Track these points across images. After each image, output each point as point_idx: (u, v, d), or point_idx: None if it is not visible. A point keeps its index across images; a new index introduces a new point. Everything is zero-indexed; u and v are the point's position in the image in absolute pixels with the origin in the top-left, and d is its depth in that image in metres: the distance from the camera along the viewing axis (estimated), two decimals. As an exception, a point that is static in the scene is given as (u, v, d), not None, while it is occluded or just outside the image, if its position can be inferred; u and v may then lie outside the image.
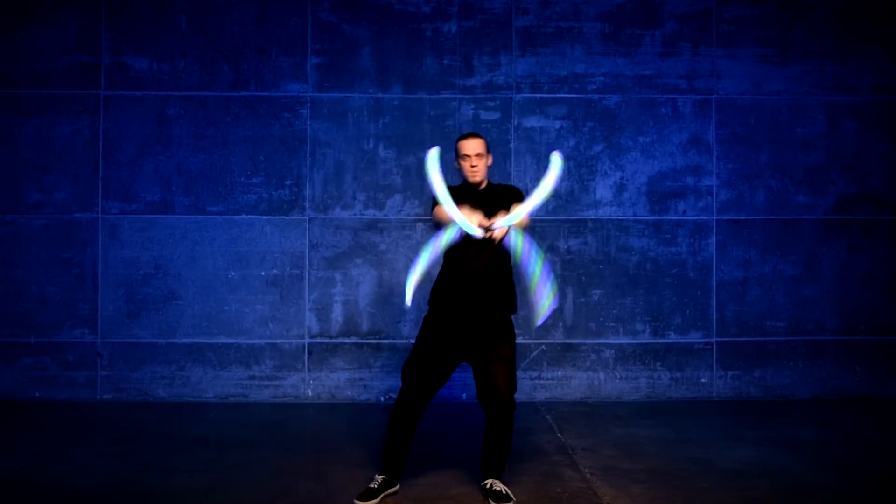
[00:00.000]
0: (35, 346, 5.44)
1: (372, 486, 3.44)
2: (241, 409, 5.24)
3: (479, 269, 3.41)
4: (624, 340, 5.55)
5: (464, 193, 3.41)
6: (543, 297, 3.33)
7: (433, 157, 3.17)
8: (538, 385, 5.53)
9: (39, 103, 5.48)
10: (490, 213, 3.30)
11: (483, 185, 3.52)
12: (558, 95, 5.59)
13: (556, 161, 3.20)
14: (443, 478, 3.75)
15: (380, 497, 3.42)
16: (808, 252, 5.62)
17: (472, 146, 3.43)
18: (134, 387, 5.46)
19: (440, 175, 3.16)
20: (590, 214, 5.57)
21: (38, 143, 5.47)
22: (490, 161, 3.54)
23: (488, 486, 3.45)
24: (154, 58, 5.51)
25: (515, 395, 5.47)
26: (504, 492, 3.41)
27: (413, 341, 5.35)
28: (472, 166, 3.42)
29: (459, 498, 3.49)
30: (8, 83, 5.47)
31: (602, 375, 5.55)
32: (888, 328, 5.63)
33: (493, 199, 3.42)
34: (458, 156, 3.47)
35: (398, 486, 3.55)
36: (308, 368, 5.49)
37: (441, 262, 3.51)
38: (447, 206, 3.15)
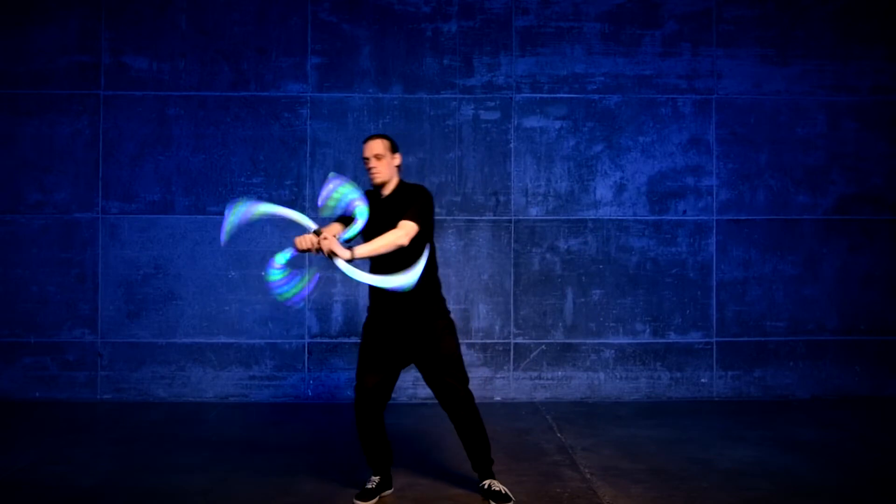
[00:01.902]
0: (35, 346, 5.44)
1: (369, 486, 3.47)
2: (241, 409, 5.24)
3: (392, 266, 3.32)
4: (624, 340, 5.55)
5: (371, 199, 3.39)
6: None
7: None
8: (538, 385, 5.53)
9: (39, 103, 5.48)
10: (391, 218, 3.31)
11: (389, 189, 3.46)
12: (558, 95, 5.59)
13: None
14: (443, 478, 3.75)
15: (377, 497, 3.46)
16: (808, 252, 5.62)
17: (370, 147, 3.42)
18: (134, 387, 5.46)
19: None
20: (590, 214, 5.57)
21: (38, 143, 5.47)
22: (397, 161, 3.48)
23: (487, 486, 3.45)
24: (154, 58, 5.51)
25: (515, 395, 5.51)
26: (503, 491, 3.41)
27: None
28: (370, 167, 3.41)
29: (459, 498, 3.49)
30: (8, 83, 5.47)
31: (602, 375, 5.55)
32: (888, 328, 5.63)
33: (394, 204, 3.41)
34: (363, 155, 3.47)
35: (391, 489, 3.57)
36: (308, 368, 5.49)
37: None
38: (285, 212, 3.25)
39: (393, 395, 5.33)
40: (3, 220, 5.46)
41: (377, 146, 3.42)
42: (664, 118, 5.60)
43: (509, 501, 3.37)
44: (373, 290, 3.41)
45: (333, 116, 5.53)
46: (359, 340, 5.46)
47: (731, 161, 5.61)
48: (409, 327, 3.39)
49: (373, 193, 3.47)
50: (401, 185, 3.49)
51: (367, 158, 3.42)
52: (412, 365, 3.50)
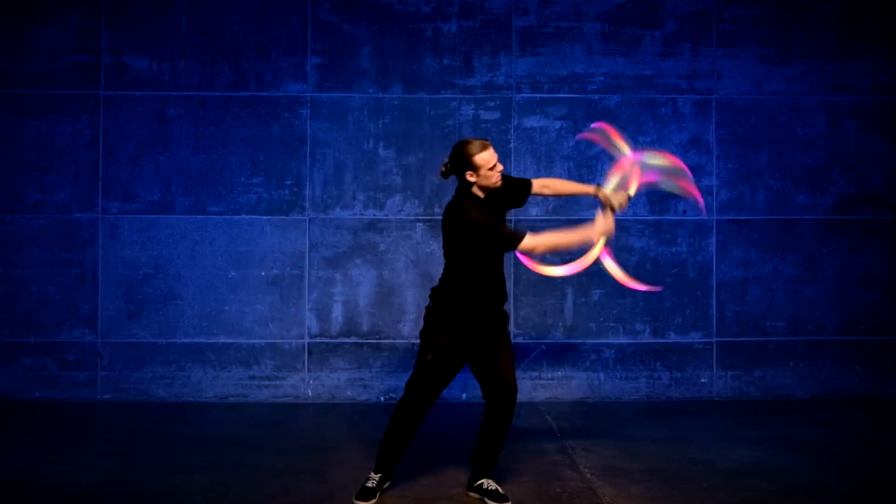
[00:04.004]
0: (35, 346, 5.44)
1: (369, 485, 3.45)
2: (241, 409, 5.23)
3: (501, 271, 3.52)
4: (624, 340, 5.55)
5: (482, 207, 3.42)
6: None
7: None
8: (538, 385, 5.53)
9: (39, 103, 5.48)
10: (500, 210, 3.50)
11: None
12: (558, 95, 5.59)
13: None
14: (443, 478, 3.75)
15: (377, 496, 3.45)
16: (808, 252, 5.62)
17: (495, 153, 3.39)
18: (134, 387, 5.46)
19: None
20: (590, 214, 5.53)
21: (38, 143, 5.47)
22: None
23: (484, 485, 3.45)
24: (154, 58, 5.51)
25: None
26: (501, 491, 3.42)
27: (414, 341, 5.36)
28: (500, 171, 3.40)
29: (459, 498, 3.49)
30: (8, 83, 5.47)
31: (602, 375, 5.55)
32: (888, 328, 5.63)
33: (499, 198, 3.50)
34: (483, 167, 3.33)
35: (390, 481, 3.58)
36: (308, 368, 5.49)
37: (458, 269, 3.44)
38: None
39: (393, 396, 5.35)
40: (3, 220, 5.46)
41: None
42: (664, 118, 5.60)
43: (507, 501, 3.38)
44: (483, 287, 3.42)
45: (333, 116, 5.53)
46: (359, 340, 5.49)
47: (731, 161, 5.61)
48: (496, 324, 3.49)
49: (478, 200, 3.44)
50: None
51: (497, 164, 3.37)
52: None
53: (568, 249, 3.58)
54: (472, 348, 3.45)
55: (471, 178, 3.37)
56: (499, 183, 3.41)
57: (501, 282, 3.50)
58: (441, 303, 3.44)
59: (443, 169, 3.47)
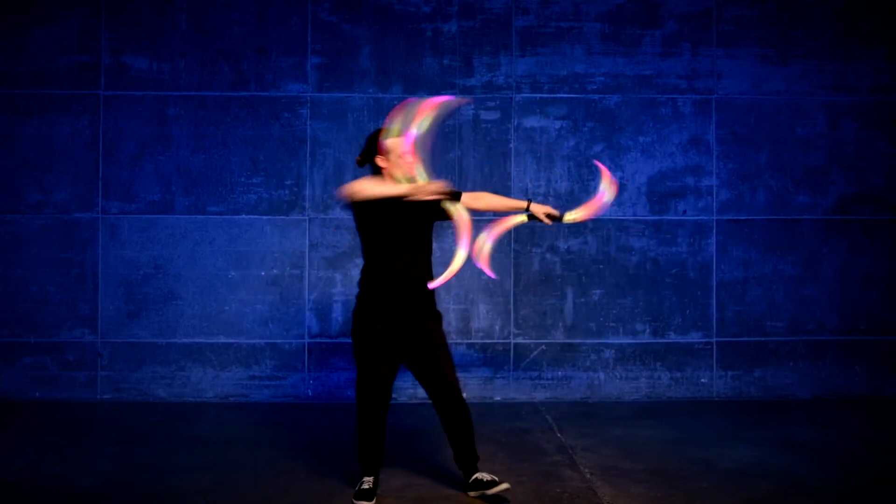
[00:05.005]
0: (35, 346, 5.44)
1: (365, 486, 3.44)
2: (241, 409, 5.24)
3: (407, 261, 3.40)
4: (624, 340, 5.55)
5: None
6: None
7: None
8: (538, 385, 5.53)
9: (39, 103, 5.48)
10: (424, 217, 3.44)
11: None
12: (558, 95, 5.59)
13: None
14: (442, 478, 3.75)
15: (375, 497, 3.44)
16: (808, 252, 5.62)
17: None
18: (134, 387, 5.46)
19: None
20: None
21: (38, 143, 5.47)
22: None
23: (478, 478, 3.44)
24: (154, 58, 5.51)
25: (515, 395, 5.51)
26: (493, 479, 3.42)
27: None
28: (410, 161, 3.36)
29: (459, 498, 3.49)
30: (8, 83, 5.47)
31: (602, 375, 5.55)
32: (888, 328, 5.63)
33: (423, 204, 3.41)
34: (394, 153, 3.34)
35: (379, 487, 3.57)
36: (308, 368, 5.49)
37: (369, 255, 3.43)
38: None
39: (393, 395, 5.34)
40: (3, 220, 5.46)
41: None
42: (664, 118, 5.60)
43: (501, 484, 3.38)
44: (380, 276, 3.38)
45: (333, 116, 5.53)
46: (359, 340, 5.49)
47: (731, 161, 5.61)
48: (420, 317, 3.42)
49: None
50: None
51: (406, 152, 3.35)
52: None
53: (386, 197, 3.26)
54: (408, 344, 3.40)
55: (381, 163, 3.37)
56: (412, 173, 3.36)
57: (421, 268, 3.42)
58: (364, 301, 3.42)
59: (358, 158, 3.47)
